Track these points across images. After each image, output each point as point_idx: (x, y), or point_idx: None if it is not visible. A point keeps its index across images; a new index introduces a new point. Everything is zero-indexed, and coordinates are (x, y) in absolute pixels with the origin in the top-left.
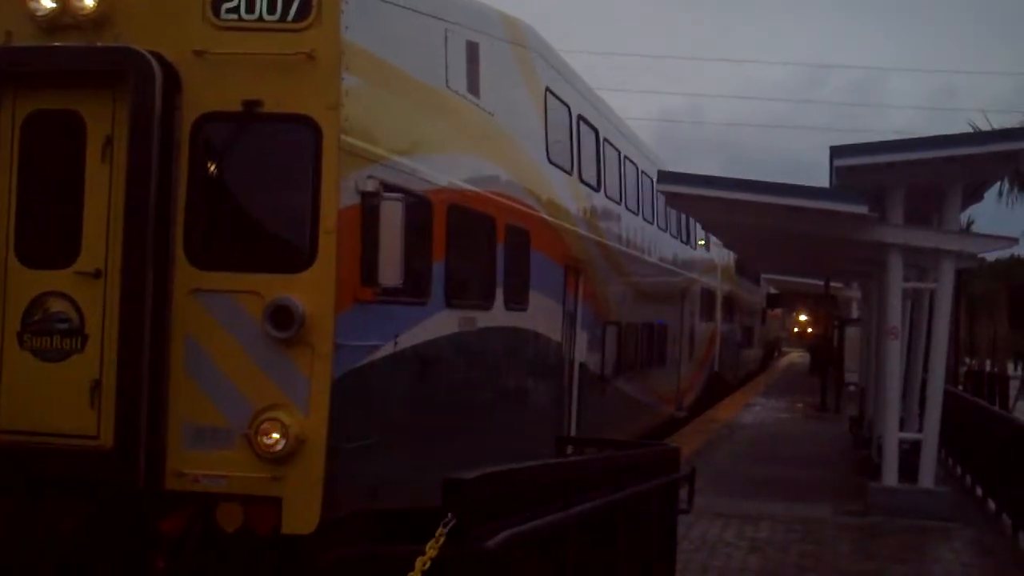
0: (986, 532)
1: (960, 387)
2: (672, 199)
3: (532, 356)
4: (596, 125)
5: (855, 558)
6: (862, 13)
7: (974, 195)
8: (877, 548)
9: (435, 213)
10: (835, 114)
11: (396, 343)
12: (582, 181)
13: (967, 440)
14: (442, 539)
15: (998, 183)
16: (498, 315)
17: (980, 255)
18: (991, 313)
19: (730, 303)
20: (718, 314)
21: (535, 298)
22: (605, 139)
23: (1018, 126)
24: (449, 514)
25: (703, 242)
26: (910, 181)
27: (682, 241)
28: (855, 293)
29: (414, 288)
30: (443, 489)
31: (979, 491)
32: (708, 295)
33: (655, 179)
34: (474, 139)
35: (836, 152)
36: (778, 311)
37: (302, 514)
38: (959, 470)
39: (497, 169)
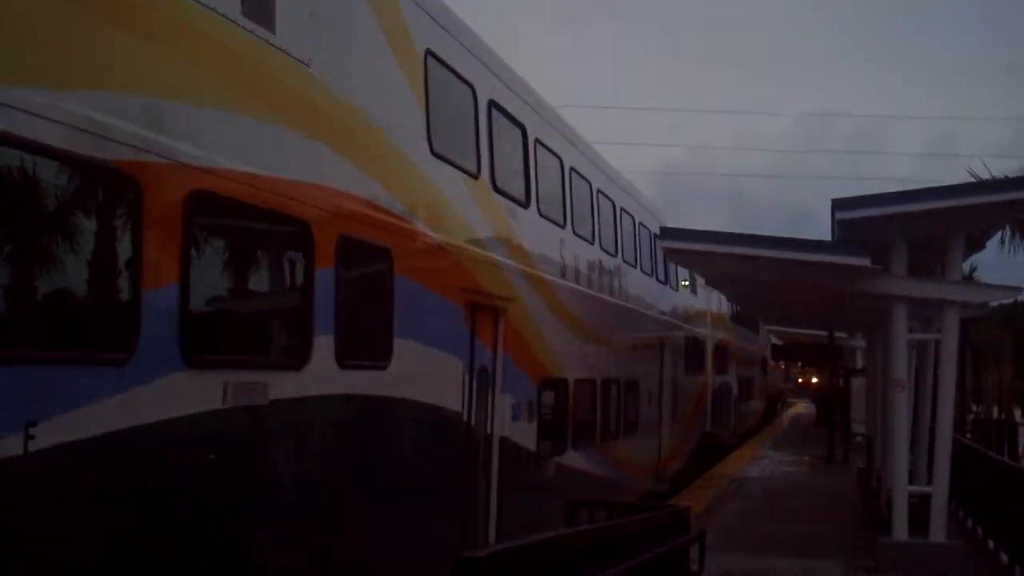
0: None
1: (967, 435)
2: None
3: (401, 437)
4: (522, 120)
5: None
6: (861, 63)
7: (976, 244)
8: None
9: (147, 200)
10: (836, 163)
11: (29, 439)
12: (498, 190)
13: (978, 492)
14: None
15: (1000, 231)
16: (320, 377)
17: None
18: (996, 359)
19: (723, 353)
20: (709, 366)
21: (406, 350)
22: (539, 141)
23: (1018, 172)
24: None
25: (687, 283)
26: (912, 232)
27: (659, 281)
28: (860, 343)
29: (81, 334)
30: (452, 569)
31: (991, 544)
32: (696, 344)
33: (618, 204)
34: (262, 94)
35: (838, 205)
36: (780, 363)
37: None
38: (970, 522)
39: (316, 148)
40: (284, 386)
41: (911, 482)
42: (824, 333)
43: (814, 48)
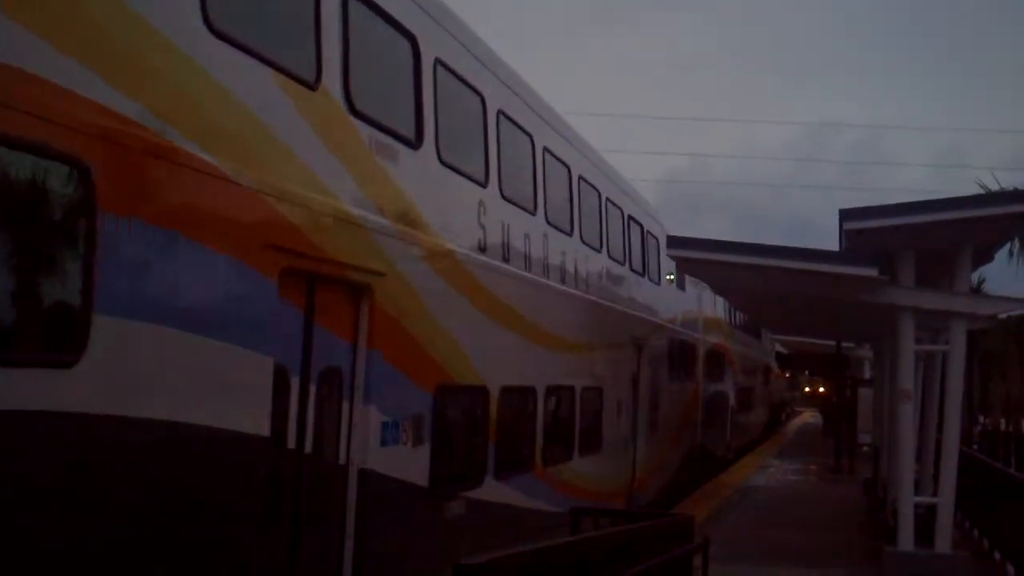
0: None
1: (975, 446)
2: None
3: (114, 482)
4: (412, 29)
5: None
6: (867, 72)
7: (984, 256)
8: None
9: None
10: (842, 173)
11: None
12: (358, 114)
13: (984, 503)
14: None
15: (1008, 243)
16: None
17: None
18: (1003, 371)
19: (718, 358)
20: (700, 372)
21: (124, 337)
22: (442, 63)
23: None
24: None
25: (671, 278)
26: (920, 243)
27: (634, 271)
28: (867, 353)
29: None
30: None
31: (997, 555)
32: (684, 348)
33: (575, 172)
34: None
35: (845, 215)
36: (785, 372)
37: None
38: (976, 533)
39: None
40: None
41: (917, 493)
42: (832, 343)
43: (819, 57)
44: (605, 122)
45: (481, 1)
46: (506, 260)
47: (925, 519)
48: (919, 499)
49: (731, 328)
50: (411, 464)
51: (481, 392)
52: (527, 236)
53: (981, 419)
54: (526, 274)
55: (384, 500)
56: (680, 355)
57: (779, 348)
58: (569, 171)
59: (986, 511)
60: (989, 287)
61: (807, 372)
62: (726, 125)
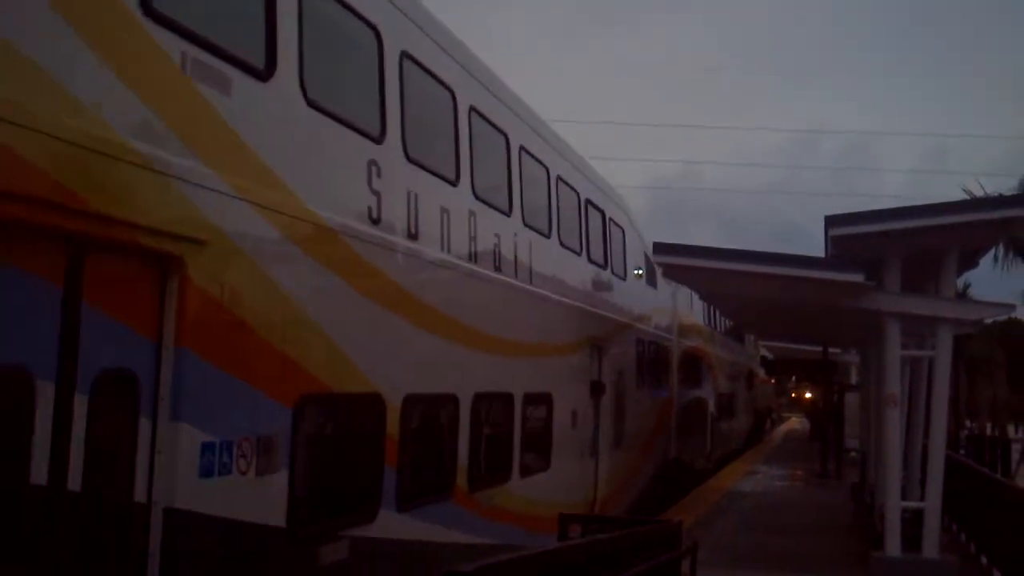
0: None
1: (961, 451)
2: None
3: None
4: None
5: None
6: (855, 78)
7: (969, 261)
8: None
9: None
10: (829, 179)
11: None
12: (156, 17)
13: (971, 508)
14: None
15: (993, 249)
16: None
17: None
18: (990, 375)
19: (695, 363)
20: (675, 378)
21: None
22: None
23: (1012, 191)
24: None
25: (640, 272)
26: (905, 249)
27: (593, 262)
28: (854, 358)
29: None
30: None
31: (984, 560)
32: (656, 351)
33: (515, 140)
34: None
35: (831, 221)
36: (770, 377)
37: None
38: (963, 537)
39: None
40: None
41: (904, 497)
42: (818, 348)
43: (807, 65)
44: (594, 128)
45: (483, 2)
46: (413, 238)
47: (912, 524)
48: (906, 504)
49: (711, 330)
50: (254, 499)
51: (372, 402)
52: (446, 211)
53: (968, 423)
54: (444, 256)
55: (208, 550)
56: (651, 358)
57: (764, 352)
58: (507, 139)
59: (973, 515)
60: (974, 292)
61: (793, 377)
62: (713, 132)
